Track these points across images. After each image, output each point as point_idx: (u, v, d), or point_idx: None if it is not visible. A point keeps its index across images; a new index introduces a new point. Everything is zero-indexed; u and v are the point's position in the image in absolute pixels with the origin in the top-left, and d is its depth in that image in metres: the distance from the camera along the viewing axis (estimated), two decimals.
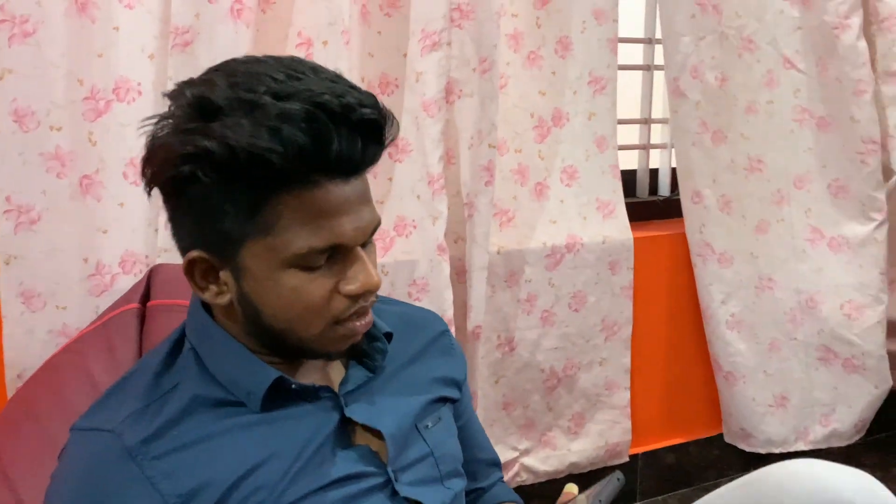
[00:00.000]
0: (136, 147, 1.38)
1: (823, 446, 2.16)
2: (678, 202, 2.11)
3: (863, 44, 1.99)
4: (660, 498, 2.18)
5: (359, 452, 0.96)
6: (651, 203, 2.21)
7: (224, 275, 0.90)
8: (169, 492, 0.86)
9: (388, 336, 1.02)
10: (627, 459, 2.07)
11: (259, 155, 0.81)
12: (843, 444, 2.17)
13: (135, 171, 1.40)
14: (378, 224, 0.92)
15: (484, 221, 1.69)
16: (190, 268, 0.90)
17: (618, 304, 1.97)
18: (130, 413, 0.90)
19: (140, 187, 1.40)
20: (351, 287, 0.89)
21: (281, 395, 0.93)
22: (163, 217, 1.41)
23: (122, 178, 1.39)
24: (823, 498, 0.89)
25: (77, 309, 1.36)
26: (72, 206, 1.35)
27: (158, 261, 1.41)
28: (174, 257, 1.42)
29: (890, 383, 2.14)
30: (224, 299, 0.91)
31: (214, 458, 0.89)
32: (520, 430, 1.91)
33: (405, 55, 1.61)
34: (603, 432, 2.01)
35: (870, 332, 2.09)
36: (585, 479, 1.98)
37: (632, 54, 2.16)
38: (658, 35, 2.17)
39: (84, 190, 1.36)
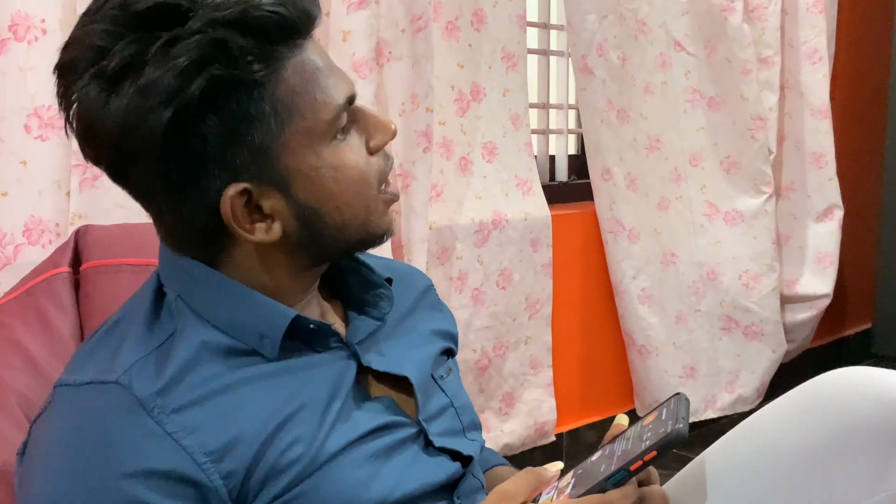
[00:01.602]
0: (41, 95, 1.19)
1: (730, 412, 2.24)
2: (578, 187, 2.14)
3: (747, 26, 2.11)
4: None
5: (383, 403, 0.87)
6: (553, 187, 2.22)
7: (269, 202, 0.78)
8: (196, 449, 0.74)
9: (389, 282, 0.94)
10: (554, 439, 2.04)
11: (269, 12, 0.73)
12: (748, 408, 2.25)
13: (39, 124, 1.19)
14: None
15: (423, 190, 1.63)
16: (233, 210, 0.77)
17: (539, 281, 1.95)
18: (133, 362, 0.77)
19: (47, 143, 1.22)
20: (378, 138, 0.83)
21: (294, 342, 0.82)
22: (76, 178, 1.24)
23: (23, 131, 1.19)
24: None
25: None
26: None
27: (71, 229, 1.20)
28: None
29: (785, 347, 2.26)
30: (275, 232, 0.79)
31: (239, 410, 0.77)
32: None
33: (328, 14, 1.53)
34: (531, 411, 1.98)
35: (766, 300, 2.20)
36: (518, 460, 1.92)
37: (528, 40, 2.17)
38: (553, 21, 2.20)
39: None
